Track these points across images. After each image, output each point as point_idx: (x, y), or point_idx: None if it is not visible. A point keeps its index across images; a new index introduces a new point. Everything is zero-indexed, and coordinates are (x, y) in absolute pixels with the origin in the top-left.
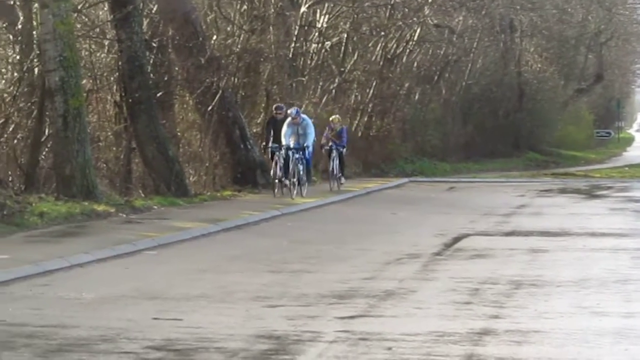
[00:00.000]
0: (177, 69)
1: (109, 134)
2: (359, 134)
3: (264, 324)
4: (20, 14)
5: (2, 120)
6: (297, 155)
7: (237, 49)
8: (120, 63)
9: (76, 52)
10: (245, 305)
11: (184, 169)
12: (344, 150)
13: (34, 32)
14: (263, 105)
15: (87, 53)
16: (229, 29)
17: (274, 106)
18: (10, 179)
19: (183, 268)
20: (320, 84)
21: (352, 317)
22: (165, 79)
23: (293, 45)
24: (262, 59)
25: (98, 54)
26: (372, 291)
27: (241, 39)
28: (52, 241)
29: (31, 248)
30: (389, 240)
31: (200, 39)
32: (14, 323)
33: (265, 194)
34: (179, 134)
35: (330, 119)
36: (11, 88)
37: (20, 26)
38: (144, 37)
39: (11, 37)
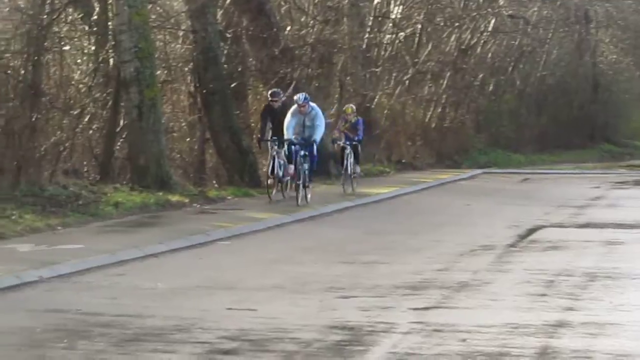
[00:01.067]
0: (250, 59)
1: (183, 124)
2: (433, 125)
3: (338, 314)
4: (95, 5)
5: (78, 111)
6: (302, 152)
7: (311, 40)
8: (194, 54)
9: (151, 43)
10: (319, 296)
11: (257, 160)
12: (360, 145)
13: (110, 23)
14: (337, 96)
15: (161, 44)
16: (302, 19)
17: (269, 92)
18: (85, 170)
19: (256, 258)
20: (394, 75)
21: (426, 309)
22: (239, 69)
23: (367, 36)
24: (335, 50)
25: (172, 45)
26: (446, 282)
27: (315, 29)
28: (126, 231)
29: (106, 238)
30: (462, 231)
31: (274, 29)
32: (89, 312)
33: (339, 184)
34: (252, 124)
35: (344, 108)
36: (87, 79)
37: (95, 17)
38: (218, 28)
39: (87, 28)
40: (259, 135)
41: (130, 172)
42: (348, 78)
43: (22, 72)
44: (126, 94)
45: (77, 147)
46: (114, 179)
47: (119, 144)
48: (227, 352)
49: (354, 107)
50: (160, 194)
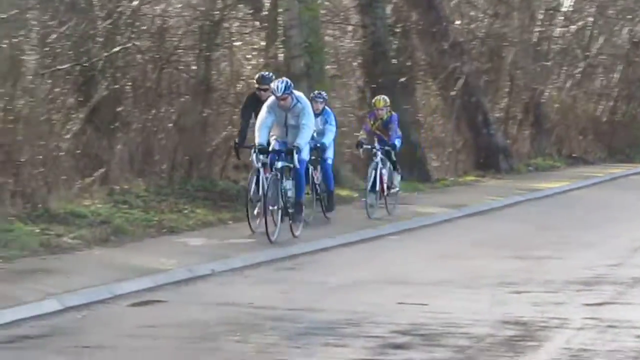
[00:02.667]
0: (419, 54)
1: (352, 119)
2: (604, 119)
3: (510, 309)
4: (265, 0)
5: None
6: (279, 164)
7: (481, 34)
8: (364, 48)
9: (321, 38)
10: (491, 291)
11: (426, 154)
12: (396, 149)
13: (279, 19)
14: (507, 90)
15: (331, 39)
16: (472, 13)
17: (257, 76)
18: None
19: (426, 253)
20: (564, 68)
21: (599, 304)
22: (408, 64)
23: (537, 29)
24: (505, 44)
25: (342, 40)
26: (620, 278)
27: (484, 23)
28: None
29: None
30: (636, 226)
31: (444, 24)
32: (261, 306)
33: (508, 179)
34: (421, 119)
35: (373, 101)
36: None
37: (266, 13)
38: (387, 23)
39: (257, 23)
40: (236, 140)
41: None
42: (518, 72)
43: (194, 67)
44: (296, 88)
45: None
46: None
47: None
48: (399, 347)
49: (387, 100)
50: None
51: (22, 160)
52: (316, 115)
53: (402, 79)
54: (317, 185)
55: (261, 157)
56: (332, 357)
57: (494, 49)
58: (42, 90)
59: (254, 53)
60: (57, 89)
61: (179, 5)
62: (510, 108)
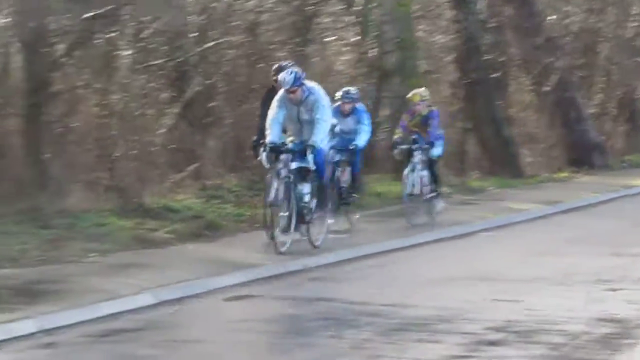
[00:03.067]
0: (513, 49)
1: (445, 114)
2: None
3: (605, 307)
4: None
5: None
6: (293, 165)
7: (575, 29)
8: (457, 44)
9: (413, 33)
10: (586, 288)
11: (519, 150)
12: (438, 151)
13: (372, 14)
14: (601, 85)
15: (423, 34)
16: (565, 9)
17: (274, 67)
18: None
19: (519, 249)
20: None
21: None
22: (502, 59)
23: (632, 24)
24: (600, 39)
25: (434, 35)
26: None
27: (579, 18)
28: (387, 221)
29: (369, 227)
30: None
31: (538, 19)
32: (356, 301)
33: (603, 175)
34: (514, 114)
35: (410, 95)
36: (349, 70)
37: (358, 8)
38: (481, 18)
39: (349, 18)
40: (254, 138)
41: (392, 162)
42: (613, 67)
43: None
44: (388, 84)
45: None
46: (377, 169)
47: (380, 134)
48: (493, 343)
49: (425, 93)
50: None
51: (116, 155)
52: (345, 115)
53: (496, 75)
54: (342, 189)
55: (283, 157)
56: (425, 353)
57: (588, 44)
58: (136, 86)
59: (345, 48)
60: (151, 84)
61: (272, 1)
62: (604, 104)
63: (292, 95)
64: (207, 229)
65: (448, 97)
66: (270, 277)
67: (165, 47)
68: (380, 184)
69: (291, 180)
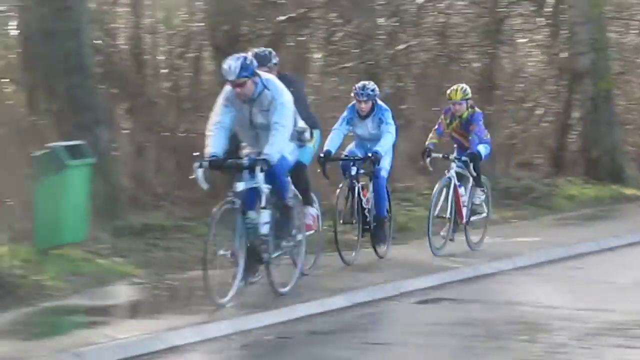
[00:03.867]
0: None
1: (636, 116)
2: None
3: None
4: None
5: (531, 104)
6: (240, 186)
7: None
8: None
9: (606, 34)
10: None
11: None
12: (476, 162)
13: (564, 15)
14: None
15: (615, 35)
16: None
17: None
18: (538, 162)
19: None
20: None
21: None
22: None
23: None
24: None
25: (626, 36)
26: None
27: None
28: (581, 224)
29: (561, 231)
30: None
31: None
32: (549, 305)
33: None
34: None
35: (450, 91)
36: (539, 71)
37: (549, 9)
38: None
39: (540, 20)
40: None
41: (584, 165)
42: None
43: (476, 65)
44: (580, 85)
45: (531, 139)
46: (567, 172)
47: (571, 136)
48: None
49: (467, 90)
50: (614, 187)
51: None
52: (363, 117)
53: None
54: (366, 210)
55: (232, 173)
56: (623, 359)
57: None
58: (327, 88)
59: (535, 51)
60: (342, 87)
61: (462, 3)
62: None
63: (239, 90)
64: (397, 232)
65: None
66: (462, 280)
67: (356, 50)
68: (572, 186)
69: (237, 206)
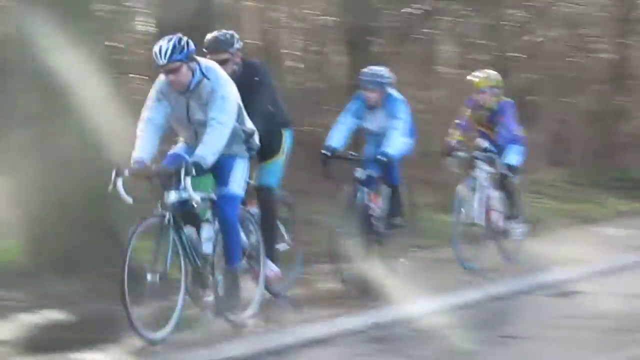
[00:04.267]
0: None
1: None
2: None
3: None
4: None
5: None
6: (172, 196)
7: None
8: None
9: None
10: None
11: None
12: (514, 159)
13: None
14: None
15: None
16: None
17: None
18: None
19: None
20: None
21: None
22: None
23: None
24: None
25: None
26: None
27: None
28: None
29: None
30: None
31: None
32: None
33: None
34: None
35: (474, 78)
36: None
37: None
38: None
39: None
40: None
41: None
42: None
43: (607, 55)
44: None
45: None
46: None
47: None
48: None
49: (496, 77)
50: None
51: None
52: (371, 108)
53: None
54: (372, 218)
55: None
56: None
57: None
58: (457, 80)
59: None
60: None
61: None
62: None
63: (173, 78)
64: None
65: None
66: (596, 273)
67: (484, 42)
68: None
69: (168, 221)
